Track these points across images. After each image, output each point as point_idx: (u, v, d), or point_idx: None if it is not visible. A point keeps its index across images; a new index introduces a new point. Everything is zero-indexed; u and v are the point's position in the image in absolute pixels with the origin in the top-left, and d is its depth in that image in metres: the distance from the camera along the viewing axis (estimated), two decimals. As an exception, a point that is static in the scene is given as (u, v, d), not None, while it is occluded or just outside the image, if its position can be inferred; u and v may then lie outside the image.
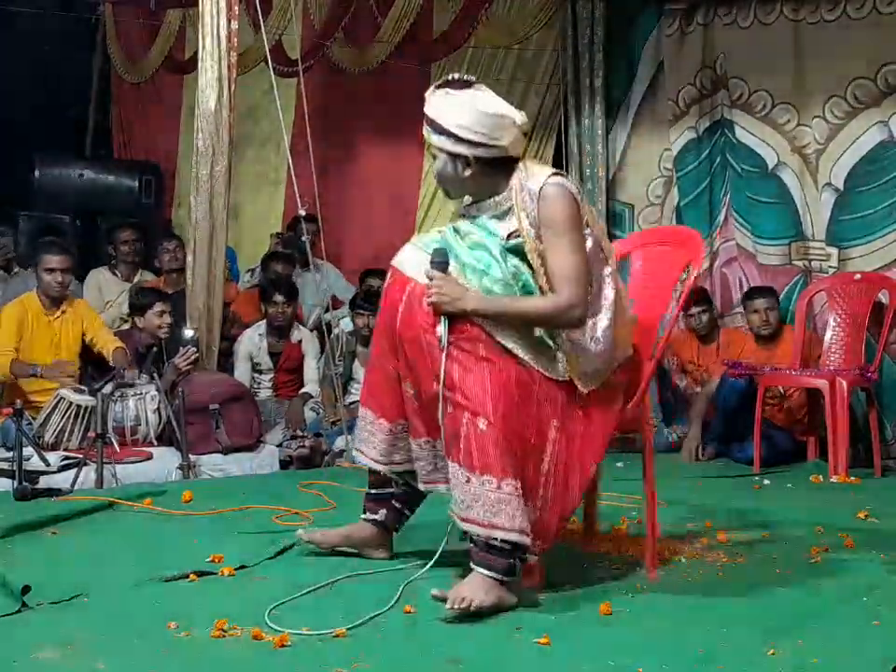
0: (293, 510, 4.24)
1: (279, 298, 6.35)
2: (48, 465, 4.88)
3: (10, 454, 4.82)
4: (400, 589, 3.11)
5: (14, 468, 4.65)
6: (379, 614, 2.96)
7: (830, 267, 6.32)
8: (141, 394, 5.41)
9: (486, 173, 3.19)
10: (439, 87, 3.25)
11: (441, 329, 3.06)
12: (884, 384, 6.05)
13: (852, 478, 5.42)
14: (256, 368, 6.45)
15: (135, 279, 7.11)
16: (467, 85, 3.21)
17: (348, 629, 2.83)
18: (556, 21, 7.20)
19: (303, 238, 6.09)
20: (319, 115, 7.39)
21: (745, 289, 6.60)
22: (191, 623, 2.87)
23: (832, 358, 6.06)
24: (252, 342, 6.44)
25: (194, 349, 5.66)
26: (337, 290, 7.35)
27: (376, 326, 3.38)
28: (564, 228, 3.11)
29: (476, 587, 3.00)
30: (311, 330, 6.68)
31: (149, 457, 5.24)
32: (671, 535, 3.94)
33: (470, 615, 2.93)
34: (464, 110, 3.17)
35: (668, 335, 3.64)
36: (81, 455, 4.91)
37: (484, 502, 3.04)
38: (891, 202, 6.11)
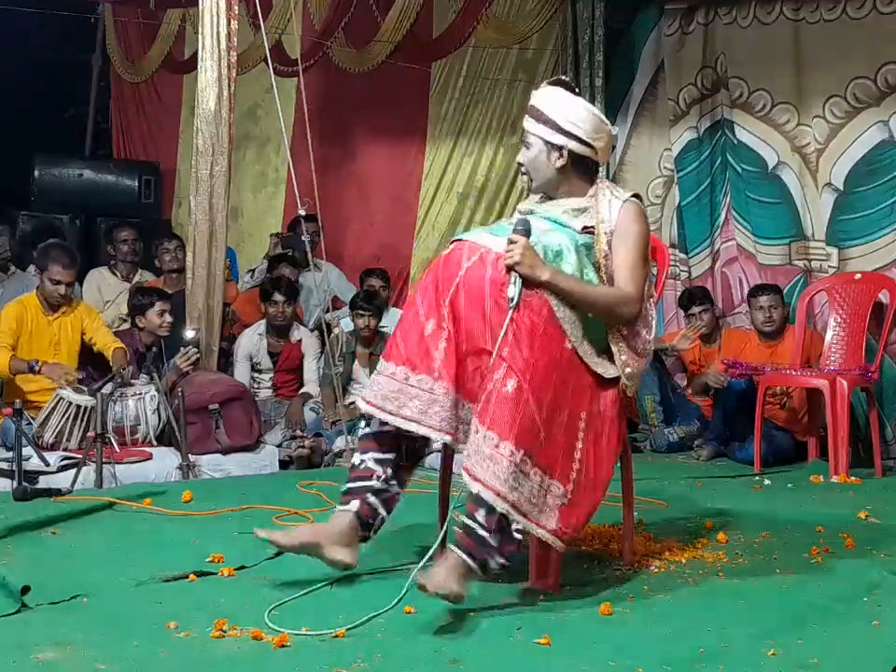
0: (293, 510, 4.25)
1: (279, 297, 6.35)
2: (47, 465, 4.88)
3: (10, 454, 4.82)
4: (403, 590, 3.10)
5: (14, 468, 4.64)
6: (379, 614, 2.96)
7: (830, 267, 6.32)
8: (141, 394, 5.41)
9: (573, 170, 3.42)
10: (548, 83, 3.50)
11: (514, 289, 3.13)
12: (884, 384, 6.05)
13: (852, 478, 5.41)
14: (255, 368, 6.45)
15: (135, 279, 7.11)
16: (570, 88, 3.49)
17: (348, 629, 2.84)
18: (556, 20, 7.21)
19: (303, 237, 6.09)
20: (319, 115, 7.40)
21: (745, 289, 6.60)
22: (191, 623, 2.88)
23: (832, 358, 6.06)
24: (252, 341, 6.44)
25: (195, 349, 5.66)
26: (338, 290, 7.35)
27: (421, 283, 3.34)
28: (636, 240, 3.36)
29: (450, 573, 3.00)
30: (311, 331, 6.68)
31: (149, 457, 5.24)
32: (671, 535, 3.94)
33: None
34: (571, 104, 3.42)
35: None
36: (81, 455, 4.91)
37: (480, 456, 3.05)
38: (891, 201, 6.11)
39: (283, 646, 2.73)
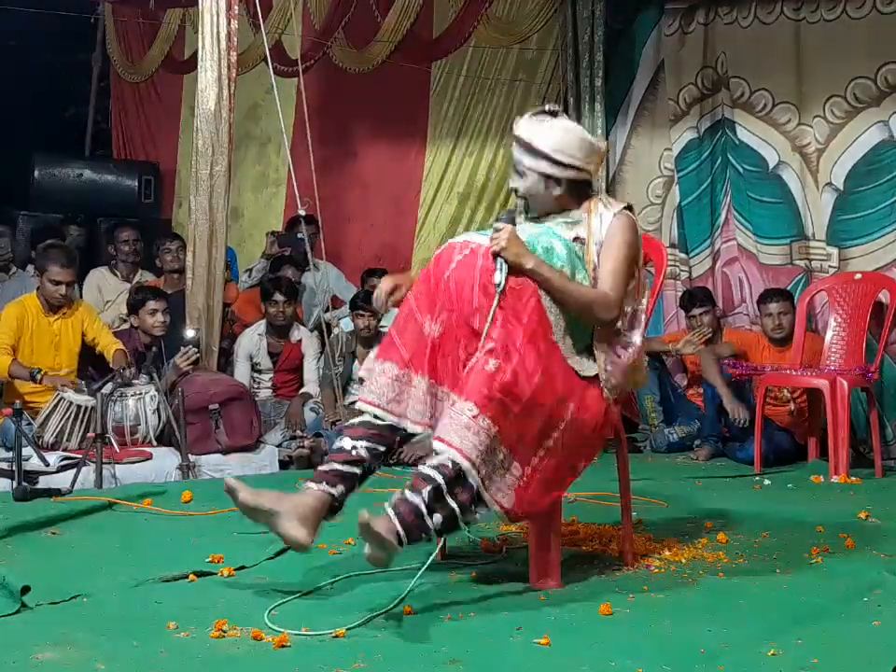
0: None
1: (279, 297, 6.35)
2: (47, 465, 4.88)
3: (10, 454, 4.82)
4: (406, 591, 3.09)
5: (13, 468, 4.65)
6: (379, 614, 2.96)
7: (830, 267, 6.31)
8: (140, 394, 5.41)
9: (569, 193, 3.46)
10: (532, 115, 3.48)
11: (500, 275, 3.17)
12: (884, 384, 6.04)
13: (853, 478, 5.41)
14: (255, 368, 6.44)
15: (135, 279, 7.11)
16: (554, 115, 3.48)
17: (348, 629, 2.83)
18: (556, 21, 7.20)
19: (300, 236, 6.08)
20: (319, 115, 7.40)
21: (746, 289, 6.60)
22: (191, 623, 2.88)
23: (832, 358, 6.05)
24: (252, 341, 6.43)
25: (195, 349, 5.66)
26: (338, 290, 7.35)
27: (416, 282, 3.38)
28: (622, 249, 3.39)
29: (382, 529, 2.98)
30: (311, 331, 6.68)
31: (149, 458, 5.24)
32: (671, 535, 3.94)
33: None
34: (561, 135, 3.43)
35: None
36: (81, 456, 4.91)
37: (457, 425, 3.06)
38: (891, 201, 6.10)
39: (283, 646, 2.73)
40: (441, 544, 3.51)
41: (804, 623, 2.96)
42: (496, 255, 3.20)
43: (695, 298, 6.44)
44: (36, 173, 8.08)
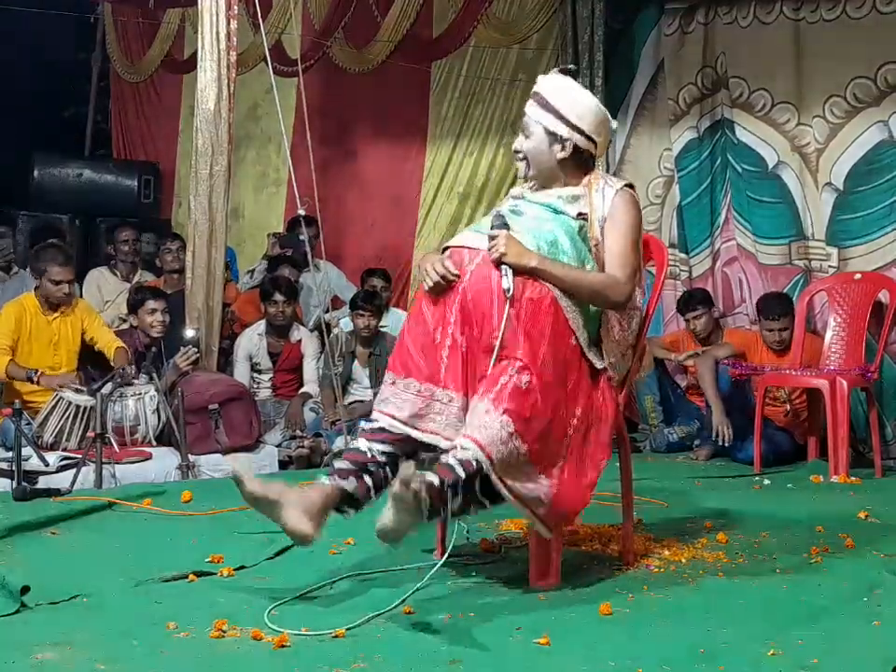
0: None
1: (279, 297, 6.35)
2: (46, 465, 4.88)
3: (9, 454, 4.82)
4: (409, 593, 3.08)
5: (13, 468, 4.65)
6: (379, 614, 2.96)
7: (830, 267, 6.31)
8: (140, 394, 5.41)
9: (572, 162, 3.44)
10: (558, 71, 3.50)
11: (507, 280, 3.16)
12: (884, 384, 6.04)
13: (852, 478, 5.41)
14: (255, 368, 6.44)
15: (135, 279, 7.11)
16: (572, 74, 3.50)
17: (348, 629, 2.83)
18: (556, 21, 7.20)
19: (301, 237, 6.08)
20: (319, 115, 7.40)
21: (745, 289, 6.59)
22: (191, 623, 2.87)
23: (832, 358, 6.05)
24: (251, 341, 6.43)
25: (195, 349, 5.66)
26: (337, 290, 7.35)
27: (425, 291, 3.31)
28: (627, 227, 3.40)
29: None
30: (311, 331, 6.68)
31: (149, 457, 5.24)
32: (671, 535, 3.94)
33: None
34: (578, 96, 3.45)
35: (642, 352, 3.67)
36: (80, 456, 4.91)
37: (494, 436, 3.04)
38: (891, 201, 6.10)
39: (283, 646, 2.73)
40: (440, 545, 3.51)
41: (804, 623, 2.96)
42: (497, 262, 3.19)
43: (689, 302, 6.42)
44: (36, 172, 8.08)
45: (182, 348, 5.66)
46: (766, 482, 5.40)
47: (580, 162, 3.46)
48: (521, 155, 3.48)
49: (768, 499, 4.97)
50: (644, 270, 3.58)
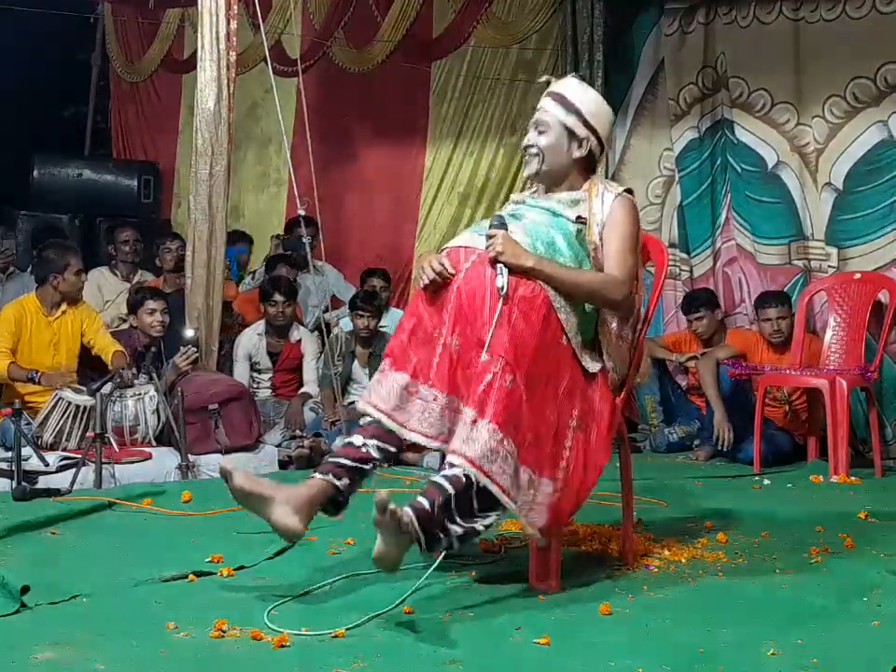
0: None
1: (279, 298, 6.35)
2: (46, 465, 4.88)
3: (9, 454, 4.82)
4: (409, 592, 3.07)
5: (13, 468, 4.64)
6: (379, 614, 2.96)
7: (829, 267, 6.31)
8: (140, 394, 5.41)
9: (582, 163, 3.49)
10: (573, 76, 3.62)
11: (502, 279, 3.16)
12: (884, 384, 6.04)
13: (852, 478, 5.41)
14: (255, 368, 6.44)
15: (135, 279, 7.11)
16: (583, 80, 3.64)
17: (348, 629, 2.83)
18: (556, 21, 7.20)
19: (304, 239, 6.09)
20: (319, 115, 7.39)
21: (745, 289, 6.60)
22: (191, 623, 2.87)
23: (831, 358, 6.05)
24: (251, 341, 6.43)
25: (194, 349, 5.66)
26: (337, 290, 7.35)
27: (422, 293, 3.32)
28: (625, 231, 3.42)
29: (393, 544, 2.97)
30: (311, 331, 6.68)
31: (148, 458, 5.24)
32: (671, 535, 3.94)
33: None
34: (595, 101, 3.55)
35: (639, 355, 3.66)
36: (80, 456, 4.91)
37: (484, 447, 3.03)
38: (890, 201, 6.10)
39: (283, 646, 2.73)
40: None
41: (804, 623, 2.96)
42: (494, 261, 3.20)
43: (692, 303, 6.42)
44: (36, 172, 8.07)
45: (182, 348, 5.66)
46: (766, 482, 5.40)
47: (587, 165, 3.50)
48: (534, 150, 3.47)
49: (768, 499, 4.97)
50: (643, 269, 3.58)
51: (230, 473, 3.12)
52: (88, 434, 5.03)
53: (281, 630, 2.82)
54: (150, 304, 5.90)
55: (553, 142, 3.44)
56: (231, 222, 6.27)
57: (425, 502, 3.00)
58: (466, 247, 3.30)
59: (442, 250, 3.37)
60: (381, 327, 6.47)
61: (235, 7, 5.73)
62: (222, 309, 5.96)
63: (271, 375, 6.45)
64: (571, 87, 3.51)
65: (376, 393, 3.27)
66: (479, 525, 3.09)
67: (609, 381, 3.41)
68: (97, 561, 3.58)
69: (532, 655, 2.71)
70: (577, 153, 3.45)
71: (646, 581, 3.38)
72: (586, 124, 3.44)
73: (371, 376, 6.21)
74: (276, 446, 5.82)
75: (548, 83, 3.56)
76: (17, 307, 5.66)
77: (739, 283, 6.69)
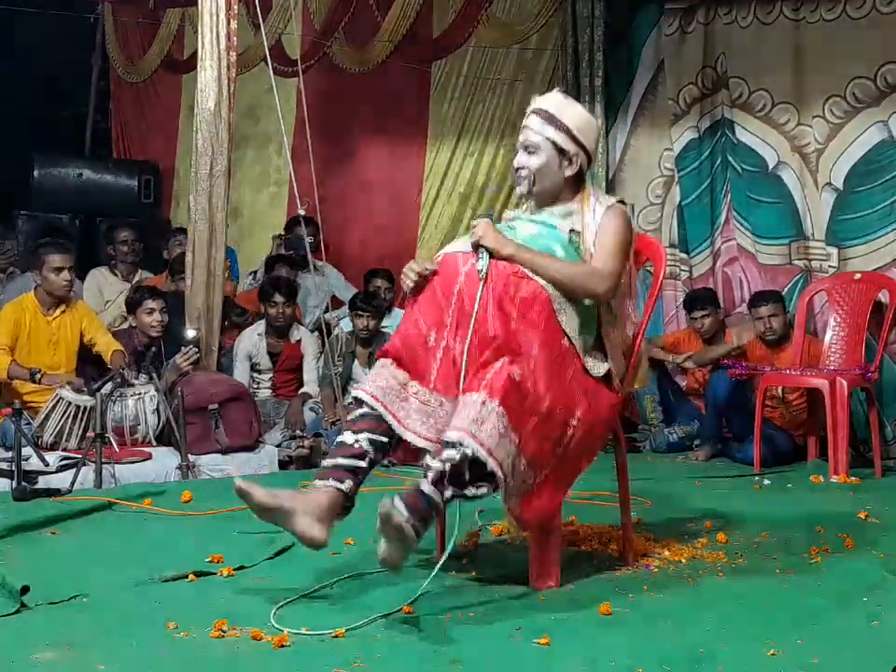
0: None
1: (279, 298, 6.35)
2: (46, 465, 4.88)
3: (9, 454, 4.82)
4: (414, 595, 3.07)
5: (13, 468, 4.64)
6: (379, 615, 2.95)
7: (830, 267, 6.31)
8: (140, 394, 5.41)
9: (571, 179, 3.49)
10: (556, 91, 3.60)
11: (482, 262, 3.22)
12: (884, 384, 6.04)
13: (852, 478, 5.41)
14: (255, 368, 6.44)
15: (135, 279, 7.11)
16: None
17: (348, 629, 2.83)
18: (556, 21, 7.20)
19: (307, 239, 6.09)
20: (319, 115, 7.39)
21: (745, 289, 6.59)
22: (191, 623, 2.87)
23: (832, 358, 6.05)
24: (251, 341, 6.43)
25: (195, 349, 5.66)
26: (336, 290, 7.35)
27: (422, 294, 3.32)
28: (615, 235, 3.43)
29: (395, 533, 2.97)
30: (311, 331, 6.68)
31: (148, 457, 5.24)
32: (671, 535, 3.94)
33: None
34: (582, 115, 3.53)
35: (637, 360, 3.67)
36: (80, 456, 4.91)
37: (491, 430, 3.04)
38: (891, 201, 6.10)
39: (283, 646, 2.73)
40: (440, 545, 3.51)
41: (804, 623, 2.96)
42: (476, 246, 3.25)
43: (697, 301, 6.43)
44: (36, 173, 8.08)
45: (182, 348, 5.66)
46: (766, 482, 5.40)
47: (578, 180, 3.50)
48: (524, 173, 3.46)
49: (768, 499, 4.97)
50: (638, 271, 3.59)
51: (247, 492, 3.10)
52: (88, 434, 5.03)
53: (281, 630, 2.82)
54: (149, 304, 5.90)
55: (544, 163, 3.44)
56: (230, 222, 6.26)
57: (422, 501, 3.00)
58: (463, 253, 3.32)
59: (437, 257, 3.37)
60: (383, 327, 6.47)
61: (235, 6, 5.73)
62: (230, 307, 5.97)
63: (271, 375, 6.45)
64: (557, 103, 3.49)
65: (374, 384, 3.26)
66: (469, 492, 3.08)
67: (614, 381, 3.41)
68: (97, 561, 3.58)
69: (532, 655, 2.71)
70: (568, 171, 3.46)
71: (646, 580, 3.38)
72: (575, 140, 3.44)
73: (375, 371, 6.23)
74: (276, 446, 5.82)
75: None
76: (16, 306, 5.66)
77: (739, 283, 6.70)
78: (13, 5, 7.47)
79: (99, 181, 8.30)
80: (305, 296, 7.14)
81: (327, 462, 3.27)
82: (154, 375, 5.48)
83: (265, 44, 5.97)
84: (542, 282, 3.23)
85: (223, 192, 5.70)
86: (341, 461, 3.22)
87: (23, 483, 4.57)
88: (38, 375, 5.41)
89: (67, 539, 3.92)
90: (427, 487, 3.01)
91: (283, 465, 5.70)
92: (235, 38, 5.71)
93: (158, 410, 5.41)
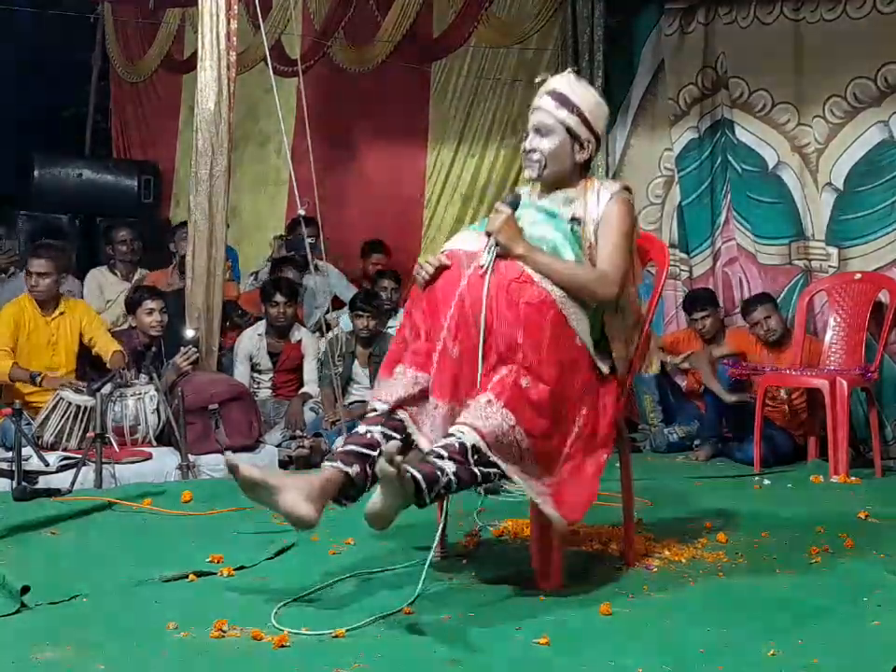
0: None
1: (280, 298, 6.34)
2: (46, 465, 4.88)
3: (9, 454, 4.82)
4: (414, 595, 3.07)
5: (13, 468, 4.65)
6: (379, 615, 2.95)
7: (830, 267, 6.31)
8: (140, 394, 5.41)
9: (580, 165, 3.45)
10: (570, 72, 3.51)
11: (488, 256, 3.20)
12: (884, 384, 6.04)
13: (852, 478, 5.41)
14: (255, 368, 6.44)
15: (135, 278, 7.11)
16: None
17: (348, 629, 2.83)
18: (556, 21, 7.20)
19: (308, 240, 6.08)
20: (319, 115, 7.39)
21: (745, 289, 6.59)
22: (191, 623, 2.87)
23: (832, 358, 6.06)
24: (252, 342, 6.43)
25: (195, 349, 5.66)
26: (337, 290, 7.35)
27: (422, 296, 3.31)
28: (619, 228, 3.37)
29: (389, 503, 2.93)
30: (313, 332, 6.68)
31: (148, 458, 5.24)
32: (671, 535, 3.94)
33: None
34: (594, 98, 3.48)
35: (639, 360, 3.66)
36: (80, 456, 4.91)
37: (495, 426, 3.04)
38: (891, 201, 6.10)
39: (283, 646, 2.73)
40: (440, 545, 3.51)
41: (804, 623, 2.96)
42: (489, 234, 3.22)
43: (697, 301, 6.42)
44: (36, 173, 8.07)
45: (182, 348, 5.66)
46: (766, 482, 5.41)
47: (585, 166, 3.48)
48: (536, 156, 3.40)
49: (768, 499, 4.97)
50: (643, 269, 3.58)
51: (236, 466, 3.06)
52: (88, 434, 5.03)
53: (281, 630, 2.82)
54: (148, 304, 5.90)
55: (557, 146, 3.38)
56: (230, 222, 6.25)
57: (428, 466, 3.00)
58: (466, 251, 3.29)
59: (443, 251, 3.36)
60: (389, 327, 6.47)
61: (235, 7, 5.73)
62: (231, 308, 5.96)
63: (271, 375, 6.45)
64: (571, 84, 3.43)
65: (384, 391, 3.24)
66: (478, 471, 3.06)
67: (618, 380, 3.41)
68: (97, 561, 3.58)
69: (532, 655, 2.71)
70: (579, 156, 3.41)
71: (646, 580, 3.38)
72: (587, 125, 3.39)
73: (371, 376, 6.24)
74: (276, 446, 5.82)
75: (542, 82, 3.48)
76: (15, 307, 5.66)
77: (740, 283, 6.70)
78: (13, 4, 7.46)
79: (99, 181, 8.30)
80: (310, 297, 7.12)
81: (339, 448, 3.26)
82: (154, 375, 5.48)
83: (265, 44, 5.97)
84: (549, 286, 3.19)
85: (223, 192, 5.70)
86: (351, 447, 3.19)
87: (23, 483, 4.58)
88: (39, 378, 5.41)
89: (67, 539, 3.92)
90: (432, 458, 3.01)
91: (283, 465, 5.70)
92: (235, 38, 5.71)
93: (158, 410, 5.41)
